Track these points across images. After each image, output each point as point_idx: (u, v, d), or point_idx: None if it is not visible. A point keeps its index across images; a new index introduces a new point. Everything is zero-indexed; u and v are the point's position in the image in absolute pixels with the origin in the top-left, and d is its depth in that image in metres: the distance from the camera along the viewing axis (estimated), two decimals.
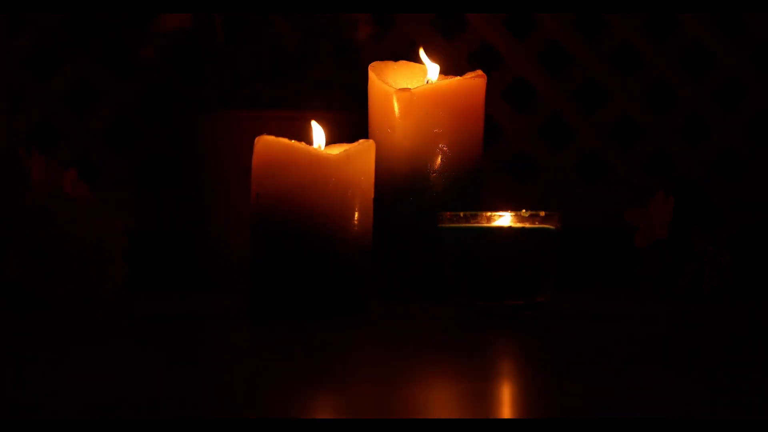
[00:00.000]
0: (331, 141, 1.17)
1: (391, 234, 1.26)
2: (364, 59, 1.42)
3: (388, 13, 1.69)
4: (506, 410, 0.69)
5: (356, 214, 1.13)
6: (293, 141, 1.12)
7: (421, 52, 1.29)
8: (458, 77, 1.27)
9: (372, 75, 1.28)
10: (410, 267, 1.27)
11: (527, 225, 1.11)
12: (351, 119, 1.48)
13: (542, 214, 1.11)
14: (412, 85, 1.27)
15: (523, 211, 1.11)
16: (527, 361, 0.89)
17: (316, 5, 1.53)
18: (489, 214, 1.12)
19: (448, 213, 1.13)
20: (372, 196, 1.15)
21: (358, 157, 1.14)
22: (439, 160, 1.26)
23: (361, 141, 1.15)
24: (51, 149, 1.64)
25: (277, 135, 1.13)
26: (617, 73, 1.73)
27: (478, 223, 1.12)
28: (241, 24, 1.53)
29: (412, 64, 1.31)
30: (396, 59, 1.31)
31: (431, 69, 1.29)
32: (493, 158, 1.72)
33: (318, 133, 1.17)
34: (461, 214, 1.12)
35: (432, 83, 1.28)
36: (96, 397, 0.72)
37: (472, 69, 1.28)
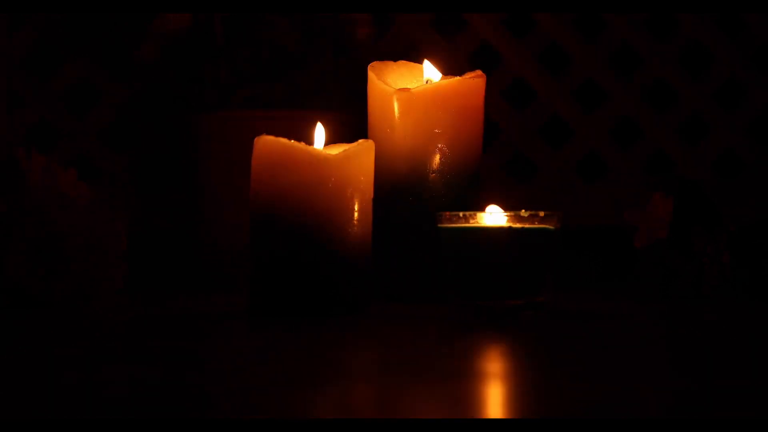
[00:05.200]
0: (331, 141, 1.17)
1: (391, 234, 1.26)
2: (364, 59, 1.42)
3: (388, 13, 1.69)
4: (506, 410, 0.69)
5: (356, 214, 1.13)
6: (293, 141, 1.12)
7: (426, 63, 1.28)
8: (458, 77, 1.27)
9: (372, 75, 1.28)
10: (410, 267, 1.27)
11: (527, 225, 1.11)
12: (351, 119, 1.48)
13: (542, 214, 1.11)
14: (412, 85, 1.27)
15: (523, 211, 1.11)
16: (527, 361, 0.89)
17: (316, 5, 1.53)
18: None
19: (448, 213, 1.13)
20: (372, 196, 1.15)
21: (358, 157, 1.14)
22: (438, 160, 1.26)
23: (360, 141, 1.15)
24: (51, 149, 1.64)
25: (277, 135, 1.13)
26: (617, 73, 1.73)
27: (478, 223, 1.12)
28: (240, 24, 1.53)
29: (412, 64, 1.31)
30: (396, 59, 1.31)
31: (431, 73, 1.28)
32: (493, 158, 1.72)
33: (320, 134, 1.17)
34: (461, 214, 1.12)
35: (432, 83, 1.28)
36: (96, 396, 0.72)
37: (472, 69, 1.28)
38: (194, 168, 1.54)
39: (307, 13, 1.54)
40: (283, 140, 1.12)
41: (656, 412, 0.67)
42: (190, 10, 1.53)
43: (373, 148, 1.16)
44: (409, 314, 1.18)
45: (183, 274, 1.56)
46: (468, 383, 0.78)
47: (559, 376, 0.80)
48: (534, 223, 1.11)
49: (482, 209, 1.13)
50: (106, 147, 1.67)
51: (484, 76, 1.27)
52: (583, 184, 1.73)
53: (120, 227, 1.28)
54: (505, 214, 1.11)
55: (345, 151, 1.13)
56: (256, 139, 1.13)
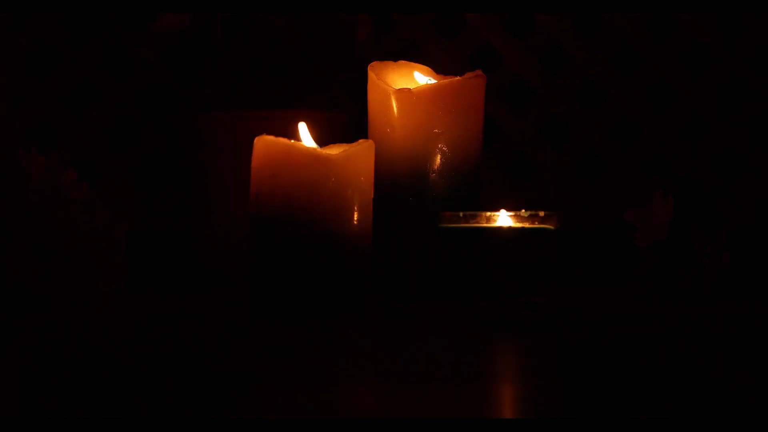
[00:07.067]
0: (330, 141, 1.17)
1: (391, 234, 1.26)
2: (364, 59, 1.42)
3: (388, 13, 1.69)
4: (506, 410, 0.69)
5: (356, 214, 1.13)
6: (293, 141, 1.13)
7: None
8: (458, 77, 1.27)
9: (372, 75, 1.28)
10: (410, 267, 1.27)
11: (527, 225, 1.11)
12: (351, 119, 1.48)
13: (542, 214, 1.11)
14: (412, 85, 1.27)
15: (523, 211, 1.11)
16: (527, 361, 0.89)
17: (316, 5, 1.53)
18: (489, 214, 1.12)
19: (448, 213, 1.13)
20: (372, 195, 1.15)
21: (358, 157, 1.14)
22: (438, 160, 1.26)
23: (360, 141, 1.15)
24: (51, 149, 1.64)
25: (277, 135, 1.13)
26: (617, 73, 1.73)
27: (477, 223, 1.12)
28: (240, 24, 1.53)
29: (412, 64, 1.31)
30: (396, 59, 1.31)
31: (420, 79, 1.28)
32: (493, 158, 1.72)
33: (306, 135, 1.16)
34: (461, 214, 1.12)
35: (432, 83, 1.28)
36: (95, 397, 0.72)
37: (472, 69, 1.28)
38: (194, 168, 1.53)
39: (307, 13, 1.54)
40: (283, 140, 1.12)
41: (656, 413, 0.67)
42: (190, 10, 1.53)
43: (373, 148, 1.16)
44: (409, 314, 1.18)
45: (183, 274, 1.55)
46: (467, 383, 0.78)
47: (559, 376, 0.80)
48: (534, 223, 1.11)
49: (482, 209, 1.13)
50: (106, 147, 1.67)
51: (484, 76, 1.27)
52: (582, 184, 1.73)
53: (120, 227, 1.28)
54: (507, 214, 1.11)
55: (345, 151, 1.13)
56: (256, 139, 1.13)
